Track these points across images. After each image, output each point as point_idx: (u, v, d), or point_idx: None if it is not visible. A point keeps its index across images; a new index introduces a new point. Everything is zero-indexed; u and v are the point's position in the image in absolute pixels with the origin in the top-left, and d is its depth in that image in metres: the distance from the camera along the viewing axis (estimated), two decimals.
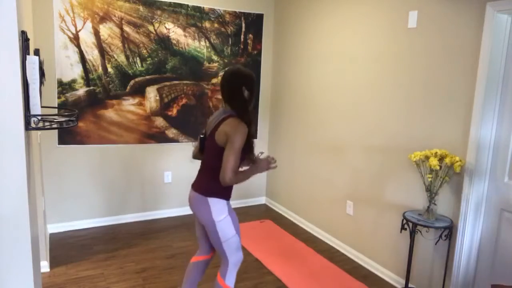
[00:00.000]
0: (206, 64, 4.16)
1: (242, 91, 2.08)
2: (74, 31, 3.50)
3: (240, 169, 2.14)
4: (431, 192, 2.53)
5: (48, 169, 3.57)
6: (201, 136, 2.23)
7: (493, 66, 2.33)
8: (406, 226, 2.63)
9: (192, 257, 2.46)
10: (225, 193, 2.15)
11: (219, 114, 2.14)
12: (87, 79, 3.62)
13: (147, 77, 3.88)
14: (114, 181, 3.89)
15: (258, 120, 4.61)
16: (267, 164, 2.18)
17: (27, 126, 1.48)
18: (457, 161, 2.41)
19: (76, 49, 3.53)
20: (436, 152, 2.48)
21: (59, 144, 3.59)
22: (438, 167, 2.43)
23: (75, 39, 3.51)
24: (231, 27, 4.24)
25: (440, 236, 2.58)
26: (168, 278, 2.96)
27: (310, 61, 3.89)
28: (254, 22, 4.37)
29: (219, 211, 2.11)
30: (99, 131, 3.73)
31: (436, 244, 2.69)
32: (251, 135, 2.07)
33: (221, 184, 2.04)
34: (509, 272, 2.38)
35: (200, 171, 2.23)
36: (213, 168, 2.08)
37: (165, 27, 3.88)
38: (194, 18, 4.01)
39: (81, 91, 3.60)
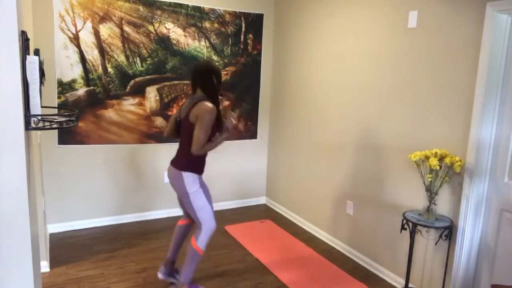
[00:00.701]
0: None
1: (212, 80, 2.53)
2: (74, 31, 3.50)
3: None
4: (431, 192, 2.53)
5: (48, 169, 3.57)
6: (178, 119, 2.60)
7: (493, 66, 2.33)
8: (406, 226, 2.63)
9: (178, 221, 2.90)
10: (197, 168, 2.56)
11: (190, 101, 2.55)
12: (87, 79, 3.62)
13: (147, 77, 3.88)
14: (114, 181, 3.89)
15: (258, 120, 4.61)
16: (230, 122, 2.62)
17: (27, 126, 1.48)
18: (457, 161, 2.41)
19: (76, 49, 3.53)
20: (436, 152, 2.48)
21: (59, 144, 3.59)
22: (438, 167, 2.43)
23: (75, 39, 3.51)
24: (231, 27, 4.24)
25: (440, 236, 2.59)
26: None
27: (310, 61, 3.89)
28: (254, 22, 4.37)
29: (191, 183, 2.52)
30: (99, 131, 3.73)
31: (436, 244, 2.69)
32: (220, 112, 2.53)
33: (194, 160, 2.51)
34: (509, 272, 2.38)
35: (178, 149, 2.61)
36: (189, 145, 2.47)
37: (165, 27, 3.88)
38: (194, 18, 4.02)
39: (81, 91, 3.60)
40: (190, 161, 2.51)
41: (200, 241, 2.58)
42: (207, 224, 2.57)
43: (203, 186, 2.60)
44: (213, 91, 2.53)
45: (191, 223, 2.82)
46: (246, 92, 4.47)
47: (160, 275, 2.80)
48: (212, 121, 2.43)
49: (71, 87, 3.56)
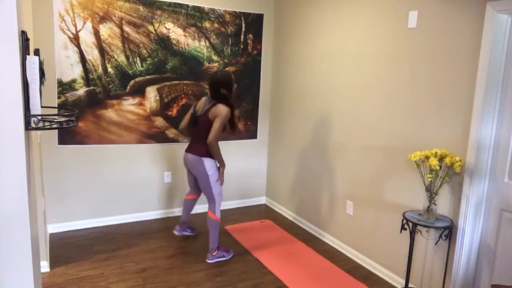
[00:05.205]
0: (206, 64, 4.16)
1: (221, 92, 3.07)
2: (74, 31, 3.50)
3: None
4: (431, 192, 2.53)
5: (48, 169, 3.57)
6: (195, 114, 3.18)
7: (493, 66, 2.33)
8: (406, 226, 2.63)
9: (185, 195, 3.57)
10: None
11: (208, 101, 3.13)
12: (87, 79, 3.62)
13: (147, 77, 3.88)
14: (114, 181, 3.89)
15: (258, 120, 4.61)
16: (222, 178, 3.20)
17: (27, 126, 1.48)
18: (457, 161, 2.41)
19: (76, 49, 3.53)
20: (436, 152, 2.48)
21: (59, 144, 3.59)
22: (438, 167, 2.43)
23: (75, 39, 3.51)
24: (231, 27, 4.24)
25: (440, 236, 2.59)
26: (168, 278, 2.96)
27: (310, 61, 3.89)
28: (254, 22, 4.37)
29: (210, 167, 3.13)
30: (99, 131, 3.73)
31: (436, 244, 2.69)
32: (233, 115, 3.13)
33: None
34: (509, 272, 2.39)
35: (194, 140, 3.18)
36: (207, 137, 3.06)
37: (165, 27, 3.88)
38: (194, 18, 4.01)
39: (81, 91, 3.60)
40: (208, 149, 3.09)
41: (217, 213, 3.22)
42: (219, 198, 3.21)
43: (217, 169, 3.19)
44: (223, 100, 3.08)
45: (197, 197, 3.54)
46: (246, 92, 4.47)
47: (175, 232, 3.56)
48: (226, 120, 3.04)
49: (71, 87, 3.56)
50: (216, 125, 2.99)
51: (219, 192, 3.22)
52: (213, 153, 3.06)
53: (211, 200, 3.21)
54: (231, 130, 3.24)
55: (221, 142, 4.37)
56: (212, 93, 3.09)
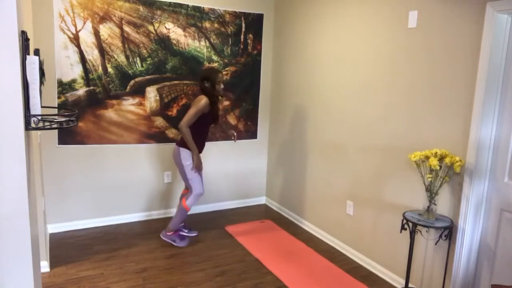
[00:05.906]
0: (206, 64, 4.16)
1: (204, 85, 3.32)
2: (74, 31, 3.50)
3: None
4: (431, 192, 2.53)
5: (48, 169, 3.57)
6: None
7: (493, 66, 2.33)
8: (406, 226, 2.63)
9: (182, 190, 3.78)
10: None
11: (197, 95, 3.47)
12: (87, 79, 3.62)
13: (147, 77, 3.88)
14: (114, 181, 3.89)
15: (258, 120, 4.61)
16: (198, 165, 3.32)
17: (27, 126, 1.48)
18: (457, 161, 2.41)
19: (76, 49, 3.53)
20: (436, 152, 2.48)
21: (59, 144, 3.59)
22: (438, 167, 2.43)
23: (75, 39, 3.51)
24: (231, 27, 4.23)
25: (440, 236, 2.59)
26: (168, 278, 2.96)
27: (310, 61, 3.89)
28: (254, 22, 4.37)
29: (186, 158, 3.32)
30: (99, 131, 3.73)
31: (436, 244, 2.69)
32: (215, 107, 3.33)
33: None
34: (509, 272, 2.39)
35: None
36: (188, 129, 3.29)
37: (165, 27, 3.88)
38: (194, 18, 4.01)
39: (81, 91, 3.60)
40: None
41: (189, 202, 3.38)
42: (196, 190, 3.38)
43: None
44: (206, 92, 3.31)
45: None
46: (246, 92, 4.47)
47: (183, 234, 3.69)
48: (202, 108, 3.21)
49: (71, 87, 3.56)
50: (190, 111, 3.20)
51: (197, 182, 3.37)
52: (184, 138, 3.23)
53: (189, 190, 3.42)
54: (213, 121, 3.40)
55: (220, 142, 4.38)
56: (199, 87, 3.37)
